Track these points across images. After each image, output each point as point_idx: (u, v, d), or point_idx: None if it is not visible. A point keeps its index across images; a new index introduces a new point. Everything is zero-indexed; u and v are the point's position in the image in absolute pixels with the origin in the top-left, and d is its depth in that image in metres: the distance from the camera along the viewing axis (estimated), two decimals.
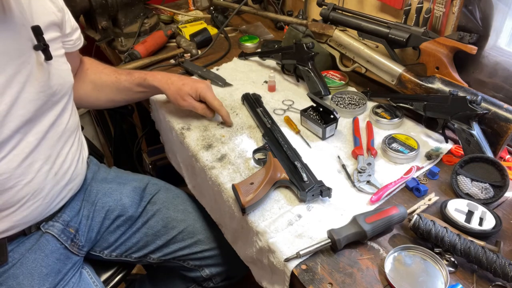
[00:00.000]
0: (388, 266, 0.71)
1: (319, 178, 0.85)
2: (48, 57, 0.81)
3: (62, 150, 0.91)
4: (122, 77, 1.09)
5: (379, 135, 1.01)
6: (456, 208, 0.79)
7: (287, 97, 1.18)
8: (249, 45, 1.44)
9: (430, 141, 1.00)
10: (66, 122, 0.91)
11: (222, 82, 1.24)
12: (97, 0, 1.34)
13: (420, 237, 0.76)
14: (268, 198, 0.86)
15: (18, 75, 0.76)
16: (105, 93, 1.11)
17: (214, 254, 1.15)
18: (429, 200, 0.84)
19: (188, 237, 1.12)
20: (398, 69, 1.05)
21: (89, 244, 1.04)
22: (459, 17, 0.99)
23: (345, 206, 0.84)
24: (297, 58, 1.17)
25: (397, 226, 0.80)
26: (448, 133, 1.00)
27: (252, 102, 1.11)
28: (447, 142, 0.99)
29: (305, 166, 0.88)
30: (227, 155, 0.98)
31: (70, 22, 0.96)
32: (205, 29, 1.47)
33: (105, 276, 1.11)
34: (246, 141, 1.02)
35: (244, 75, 1.30)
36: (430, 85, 1.00)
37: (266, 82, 1.24)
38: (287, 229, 0.79)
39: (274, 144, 0.95)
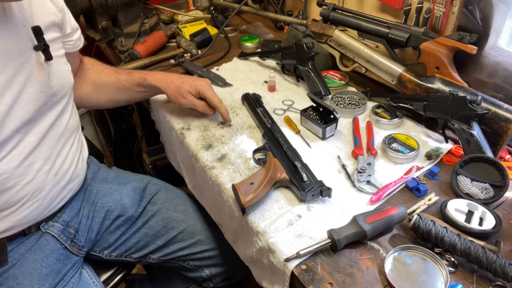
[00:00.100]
0: (388, 266, 0.71)
1: (319, 178, 0.85)
2: (49, 57, 0.81)
3: (62, 150, 0.91)
4: (122, 77, 1.09)
5: (379, 135, 1.01)
6: (456, 208, 0.79)
7: (287, 97, 1.18)
8: (249, 45, 1.44)
9: (430, 141, 1.00)
10: (66, 122, 0.91)
11: (222, 82, 1.24)
12: (97, 0, 1.34)
13: (420, 237, 0.76)
14: (268, 198, 0.86)
15: (18, 75, 0.76)
16: (106, 93, 1.11)
17: (214, 254, 1.15)
18: (429, 200, 0.84)
19: (188, 237, 1.12)
20: (398, 69, 1.05)
21: (89, 244, 1.04)
22: (459, 17, 0.99)
23: (345, 206, 0.84)
24: (297, 58, 1.17)
25: (397, 226, 0.80)
26: (448, 133, 1.00)
27: (252, 102, 1.11)
28: (447, 142, 0.99)
29: (305, 166, 0.88)
30: (227, 155, 0.98)
31: (71, 22, 0.96)
32: (205, 29, 1.47)
33: (105, 276, 1.11)
34: (246, 141, 1.02)
35: (244, 75, 1.30)
36: (430, 85, 1.00)
37: (266, 82, 1.24)
38: (287, 229, 0.79)
39: (274, 144, 0.95)
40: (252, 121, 1.09)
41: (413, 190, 0.87)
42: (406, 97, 1.04)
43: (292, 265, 0.73)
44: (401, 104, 1.04)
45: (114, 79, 1.09)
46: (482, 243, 0.73)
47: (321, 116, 1.03)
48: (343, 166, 0.93)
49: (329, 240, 0.74)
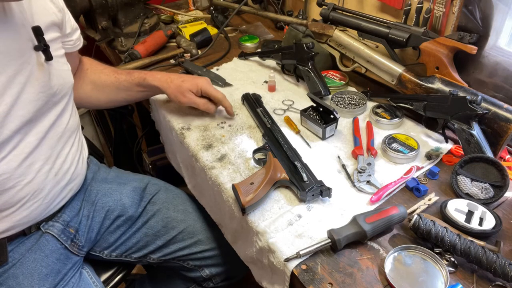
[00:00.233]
0: (388, 266, 0.71)
1: (319, 178, 0.85)
2: (49, 57, 0.81)
3: (62, 150, 0.91)
4: (121, 77, 1.09)
5: (379, 135, 1.01)
6: (456, 208, 0.79)
7: (287, 97, 1.18)
8: (249, 45, 1.44)
9: (430, 141, 1.00)
10: (66, 123, 0.91)
11: (222, 82, 1.24)
12: (97, 0, 1.34)
13: (420, 237, 0.76)
14: (268, 198, 0.86)
15: (18, 76, 0.76)
16: (105, 93, 1.11)
17: (214, 254, 1.15)
18: (429, 200, 0.84)
19: (188, 237, 1.12)
20: (398, 69, 1.05)
21: (89, 244, 1.04)
22: (459, 17, 0.99)
23: (345, 206, 0.84)
24: (297, 58, 1.17)
25: (397, 226, 0.80)
26: (448, 133, 1.00)
27: (252, 102, 1.11)
28: (447, 142, 0.99)
29: (305, 166, 0.88)
30: (227, 155, 0.98)
31: (70, 22, 0.96)
32: (205, 29, 1.47)
33: (105, 276, 1.11)
34: (246, 141, 1.02)
35: (244, 75, 1.30)
36: (430, 85, 1.00)
37: (266, 82, 1.24)
38: (287, 229, 0.79)
39: (274, 144, 0.95)
40: (252, 121, 1.09)
41: (413, 190, 0.87)
42: (406, 97, 1.04)
43: (292, 265, 0.73)
44: (401, 104, 1.04)
45: (113, 79, 1.09)
46: (482, 243, 0.73)
47: (321, 116, 1.03)
48: (343, 166, 0.93)
49: (329, 240, 0.74)
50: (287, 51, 1.21)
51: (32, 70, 0.79)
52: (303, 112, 1.05)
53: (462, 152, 0.94)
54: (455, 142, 0.99)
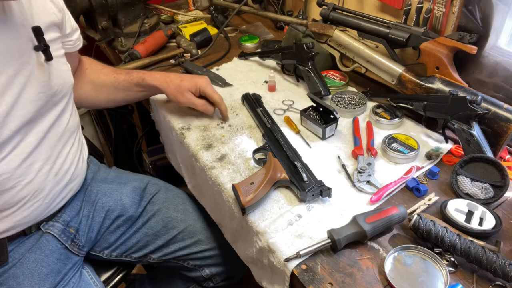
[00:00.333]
0: (388, 266, 0.71)
1: (319, 178, 0.85)
2: (49, 57, 0.81)
3: (62, 150, 0.91)
4: (120, 77, 1.09)
5: (379, 135, 1.01)
6: (456, 208, 0.79)
7: (287, 97, 1.18)
8: (249, 45, 1.44)
9: (430, 141, 1.00)
10: (66, 123, 0.91)
11: (222, 82, 1.24)
12: (97, 0, 1.34)
13: (420, 237, 0.76)
14: (268, 198, 0.86)
15: (18, 76, 0.76)
16: (104, 93, 1.11)
17: (214, 254, 1.15)
18: (429, 200, 0.84)
19: (188, 237, 1.12)
20: (398, 69, 1.05)
21: (89, 244, 1.04)
22: (459, 17, 1.00)
23: (345, 206, 0.84)
24: (297, 58, 1.17)
25: (397, 226, 0.80)
26: (448, 133, 1.00)
27: (252, 102, 1.11)
28: (447, 142, 0.99)
29: (305, 166, 0.88)
30: (227, 155, 0.98)
31: (70, 22, 0.96)
32: (205, 29, 1.47)
33: (105, 276, 1.11)
34: (246, 141, 1.02)
35: (244, 75, 1.30)
36: (430, 85, 1.00)
37: (266, 82, 1.24)
38: (287, 229, 0.79)
39: (274, 144, 0.95)
40: (252, 121, 1.09)
41: (413, 190, 0.87)
42: (406, 97, 1.04)
43: (292, 265, 0.73)
44: (401, 104, 1.04)
45: (112, 79, 1.09)
46: (482, 243, 0.73)
47: (321, 116, 1.03)
48: (343, 166, 0.93)
49: (329, 240, 0.74)
50: (287, 51, 1.21)
51: (32, 70, 0.79)
52: (303, 112, 1.05)
53: (462, 152, 0.94)
54: (455, 142, 0.99)
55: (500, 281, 0.69)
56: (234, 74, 1.30)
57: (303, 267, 0.73)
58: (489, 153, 0.88)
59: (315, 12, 1.45)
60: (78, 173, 0.98)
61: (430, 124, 1.00)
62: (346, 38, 1.14)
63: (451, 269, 0.72)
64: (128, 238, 1.08)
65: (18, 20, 0.76)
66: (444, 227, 0.73)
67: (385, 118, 1.05)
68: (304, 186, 0.83)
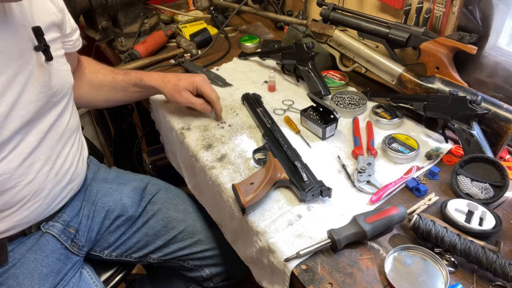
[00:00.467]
0: (388, 266, 0.71)
1: (319, 178, 0.85)
2: (49, 57, 0.81)
3: (62, 150, 0.91)
4: (119, 77, 1.09)
5: (379, 135, 1.01)
6: (456, 208, 0.79)
7: (287, 97, 1.18)
8: (249, 45, 1.44)
9: (430, 141, 1.00)
10: (66, 123, 0.92)
11: (222, 82, 1.24)
12: (97, 0, 1.34)
13: (420, 237, 0.76)
14: (268, 198, 0.86)
15: (18, 76, 0.76)
16: (102, 93, 1.11)
17: (214, 254, 1.15)
18: (429, 200, 0.84)
19: (188, 237, 1.12)
20: (398, 69, 1.05)
21: (89, 244, 1.04)
22: (459, 17, 1.00)
23: (345, 206, 0.84)
24: (297, 58, 1.17)
25: (397, 226, 0.80)
26: (448, 133, 1.00)
27: (252, 102, 1.11)
28: (447, 142, 0.99)
29: (305, 166, 0.88)
30: (227, 155, 0.98)
31: (70, 22, 0.96)
32: (205, 29, 1.47)
33: (105, 276, 1.11)
34: (246, 141, 1.02)
35: (244, 75, 1.30)
36: (430, 85, 1.00)
37: (266, 82, 1.24)
38: (287, 229, 0.79)
39: (274, 144, 0.95)
40: (252, 121, 1.09)
41: (413, 190, 0.87)
42: (406, 97, 1.04)
43: (292, 265, 0.73)
44: (401, 104, 1.04)
45: (110, 79, 1.09)
46: (482, 243, 0.73)
47: (321, 116, 1.03)
48: (343, 166, 0.93)
49: (329, 240, 0.74)
50: (287, 51, 1.21)
51: (32, 71, 0.79)
52: (303, 112, 1.05)
53: (462, 152, 0.94)
54: (455, 142, 0.99)
55: (500, 281, 0.69)
56: (234, 74, 1.30)
57: (303, 267, 0.73)
58: (489, 153, 0.88)
59: (315, 12, 1.45)
60: (78, 173, 0.98)
61: (430, 124, 1.00)
62: (346, 38, 1.14)
63: (451, 269, 0.72)
64: (128, 238, 1.08)
65: (18, 20, 0.76)
66: (444, 227, 0.73)
67: (385, 118, 1.05)
68: (304, 186, 0.83)
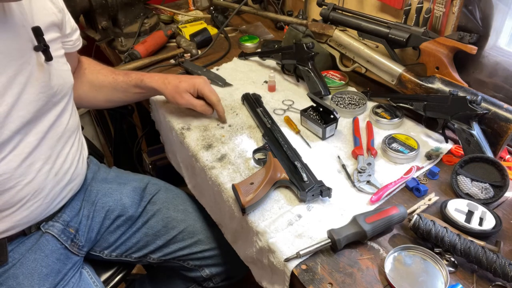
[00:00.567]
0: (388, 266, 0.71)
1: (319, 178, 0.85)
2: (49, 57, 0.81)
3: (62, 150, 0.91)
4: (119, 78, 1.09)
5: (379, 135, 1.01)
6: (456, 208, 0.79)
7: (287, 97, 1.18)
8: (249, 45, 1.44)
9: (430, 141, 1.00)
10: (66, 123, 0.92)
11: (222, 82, 1.24)
12: (97, 0, 1.34)
13: (420, 237, 0.76)
14: (268, 198, 0.86)
15: (18, 76, 0.76)
16: (103, 94, 1.11)
17: (214, 254, 1.15)
18: (429, 200, 0.84)
19: (188, 237, 1.12)
20: (398, 69, 1.05)
21: (89, 244, 1.04)
22: (459, 17, 1.00)
23: (345, 206, 0.84)
24: (297, 58, 1.17)
25: (397, 226, 0.80)
26: (448, 133, 1.00)
27: (252, 102, 1.11)
28: (447, 142, 0.99)
29: (305, 166, 0.88)
30: (227, 155, 0.98)
31: (70, 22, 0.96)
32: (205, 29, 1.47)
33: (105, 276, 1.11)
34: (246, 141, 1.02)
35: (244, 75, 1.30)
36: (430, 85, 1.00)
37: (266, 82, 1.24)
38: (287, 229, 0.79)
39: (274, 144, 0.95)
40: (252, 121, 1.09)
41: (413, 190, 0.87)
42: (406, 97, 1.04)
43: (292, 265, 0.73)
44: (401, 104, 1.04)
45: (111, 80, 1.09)
46: (482, 243, 0.73)
47: (321, 116, 1.03)
48: (343, 166, 0.93)
49: (329, 240, 0.74)
50: (287, 51, 1.21)
51: (32, 71, 0.79)
52: (303, 112, 1.05)
53: (462, 152, 0.94)
54: (455, 142, 0.99)
55: (500, 281, 0.69)
56: (234, 74, 1.30)
57: (303, 267, 0.73)
58: (489, 153, 0.88)
59: (315, 12, 1.45)
60: (78, 173, 0.98)
61: (430, 124, 1.00)
62: (346, 38, 1.14)
63: (451, 269, 0.72)
64: (128, 238, 1.08)
65: (18, 20, 0.76)
66: (444, 227, 0.73)
67: (385, 118, 1.05)
68: (304, 186, 0.83)
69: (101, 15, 1.39)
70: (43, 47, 0.79)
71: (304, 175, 0.84)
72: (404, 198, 0.86)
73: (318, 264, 0.73)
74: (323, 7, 1.20)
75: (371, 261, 0.74)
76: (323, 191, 0.83)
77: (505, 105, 0.89)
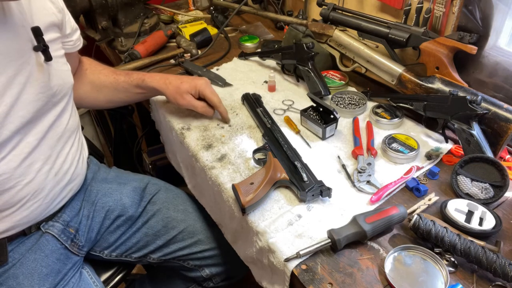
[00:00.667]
0: (388, 266, 0.71)
1: (319, 178, 0.85)
2: (48, 58, 0.81)
3: (62, 150, 0.91)
4: (120, 78, 1.09)
5: (379, 135, 1.01)
6: (456, 208, 0.79)
7: (287, 97, 1.18)
8: (249, 45, 1.44)
9: (430, 141, 1.00)
10: (66, 123, 0.91)
11: (222, 82, 1.24)
12: (97, 0, 1.34)
13: (420, 237, 0.76)
14: (268, 198, 0.86)
15: (18, 76, 0.76)
16: (104, 94, 1.11)
17: (214, 254, 1.15)
18: (429, 200, 0.84)
19: (188, 237, 1.12)
20: (398, 69, 1.05)
21: (89, 244, 1.04)
22: (459, 17, 0.99)
23: (345, 206, 0.84)
24: (297, 58, 1.17)
25: (397, 226, 0.80)
26: (448, 133, 1.00)
27: (252, 102, 1.11)
28: (447, 142, 0.99)
29: (305, 166, 0.88)
30: (227, 155, 0.98)
31: (70, 23, 0.96)
32: (205, 29, 1.47)
33: (105, 276, 1.11)
34: (246, 141, 1.02)
35: (244, 75, 1.30)
36: (430, 85, 1.00)
37: (266, 82, 1.24)
38: (287, 229, 0.79)
39: (274, 144, 0.95)
40: (252, 121, 1.09)
41: (413, 190, 0.87)
42: (406, 97, 1.04)
43: (292, 265, 0.73)
44: (401, 104, 1.04)
45: (112, 80, 1.09)
46: (482, 243, 0.73)
47: (321, 116, 1.03)
48: (343, 166, 0.93)
49: (329, 240, 0.74)
50: (287, 51, 1.21)
51: (32, 71, 0.79)
52: (303, 112, 1.05)
53: (462, 152, 0.94)
54: (455, 142, 0.99)
55: (500, 281, 0.69)
56: (234, 74, 1.30)
57: (303, 267, 0.73)
58: (489, 153, 0.88)
59: (315, 12, 1.45)
60: (78, 173, 0.98)
61: (430, 124, 1.00)
62: (346, 38, 1.14)
63: (451, 269, 0.72)
64: (128, 238, 1.08)
65: (17, 20, 0.76)
66: (444, 227, 0.73)
67: (385, 118, 1.05)
68: (304, 186, 0.83)
69: (101, 15, 1.39)
70: (42, 47, 0.79)
71: (304, 175, 0.84)
72: (404, 198, 0.86)
73: (318, 264, 0.73)
74: (323, 7, 1.20)
75: (371, 261, 0.74)
76: (323, 191, 0.83)
77: (505, 105, 0.89)
